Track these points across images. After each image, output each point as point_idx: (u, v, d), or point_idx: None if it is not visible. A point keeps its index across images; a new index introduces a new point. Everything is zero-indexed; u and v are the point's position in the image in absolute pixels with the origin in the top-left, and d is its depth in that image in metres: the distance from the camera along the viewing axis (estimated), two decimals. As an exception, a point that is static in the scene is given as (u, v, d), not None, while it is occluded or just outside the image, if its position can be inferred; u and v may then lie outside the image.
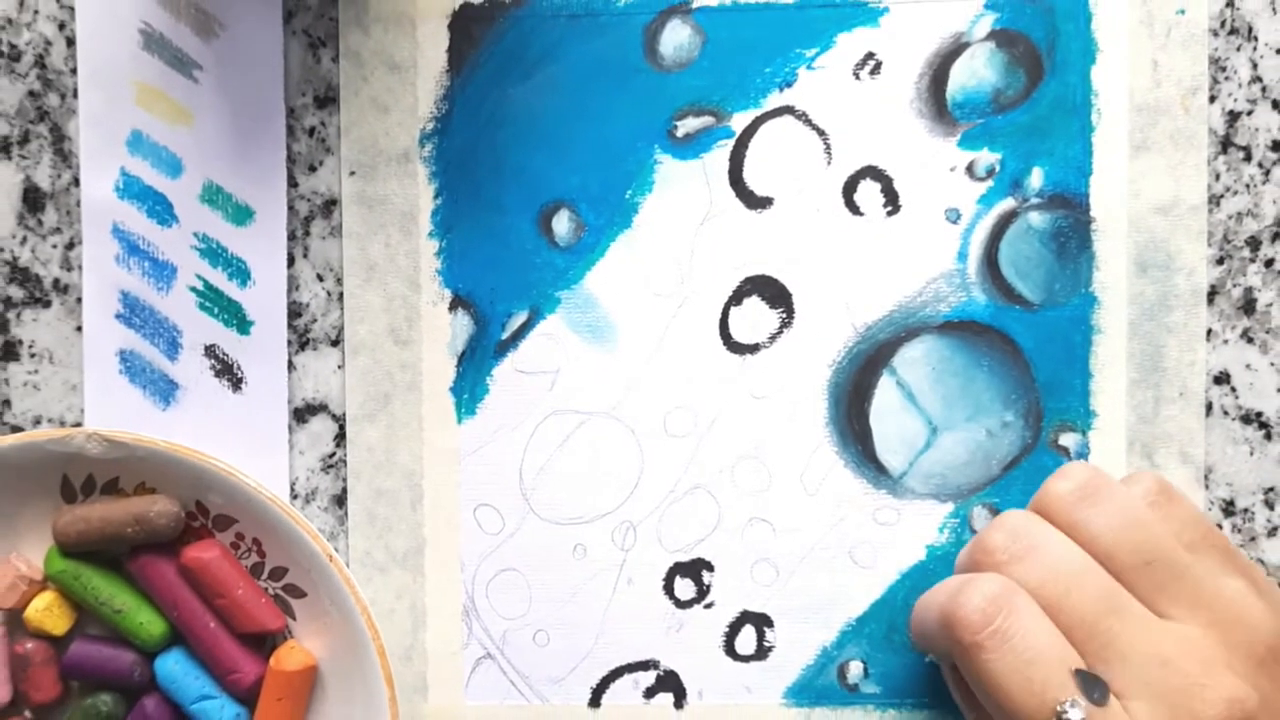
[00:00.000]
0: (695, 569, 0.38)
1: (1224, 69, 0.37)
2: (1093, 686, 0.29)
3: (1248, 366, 0.37)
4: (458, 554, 0.38)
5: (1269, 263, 0.37)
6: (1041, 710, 0.29)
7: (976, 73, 0.37)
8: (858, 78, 0.37)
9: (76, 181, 0.38)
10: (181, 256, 0.38)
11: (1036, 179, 0.37)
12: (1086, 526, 0.32)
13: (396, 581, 0.38)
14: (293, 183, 0.38)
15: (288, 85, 0.38)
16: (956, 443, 0.38)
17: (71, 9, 0.38)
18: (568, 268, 0.38)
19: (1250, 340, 0.37)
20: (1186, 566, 0.31)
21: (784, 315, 0.38)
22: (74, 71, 0.38)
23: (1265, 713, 0.30)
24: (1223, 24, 0.37)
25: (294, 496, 0.39)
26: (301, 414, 0.39)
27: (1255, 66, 0.37)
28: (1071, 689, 0.29)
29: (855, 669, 0.38)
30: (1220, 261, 0.37)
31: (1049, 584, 0.31)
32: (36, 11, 0.38)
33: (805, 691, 0.38)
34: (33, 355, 0.39)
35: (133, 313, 0.38)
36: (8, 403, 0.39)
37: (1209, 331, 0.37)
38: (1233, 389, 0.38)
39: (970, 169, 0.37)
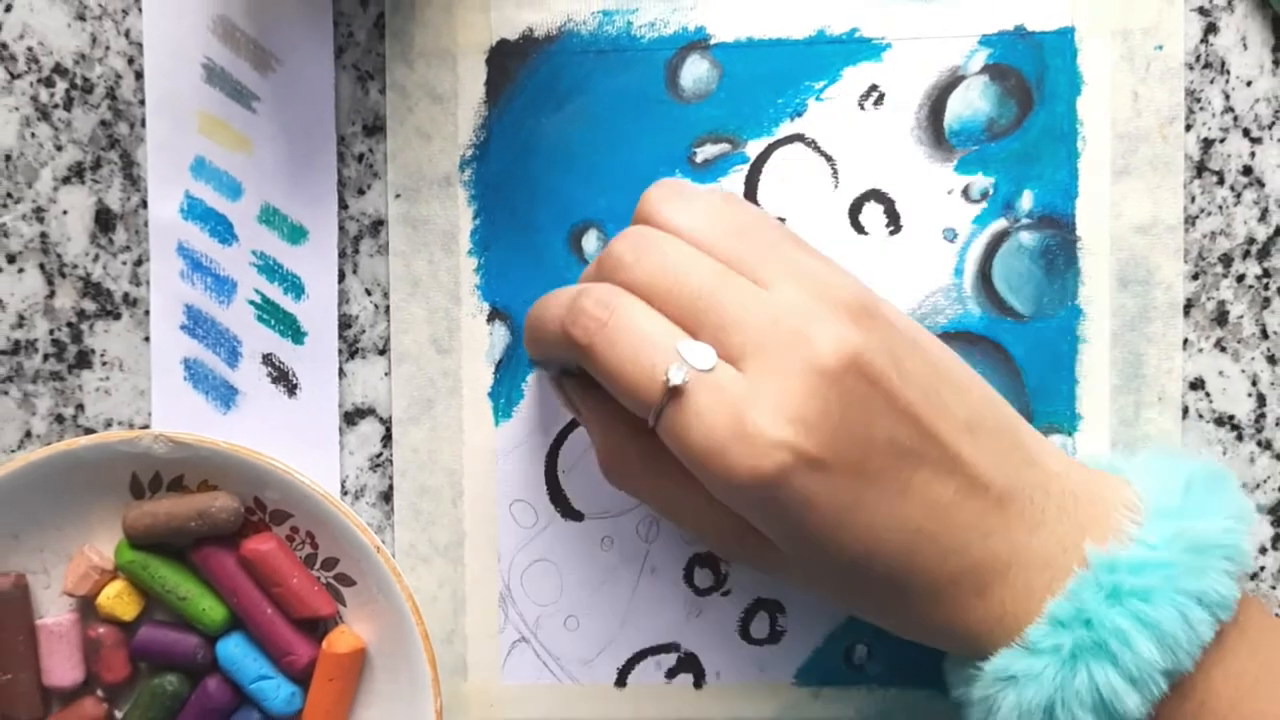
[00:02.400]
0: (713, 560, 0.38)
1: (1199, 100, 0.37)
2: (698, 355, 0.29)
3: (1221, 373, 0.38)
4: (495, 546, 0.38)
5: (1240, 278, 0.37)
6: (654, 385, 0.29)
7: (972, 103, 0.37)
8: (862, 108, 0.37)
9: (144, 204, 0.38)
10: (241, 272, 0.38)
11: (1027, 201, 0.37)
12: (686, 215, 0.31)
13: (439, 571, 0.38)
14: (343, 205, 0.38)
15: (338, 115, 0.38)
16: (953, 443, 0.38)
17: (140, 45, 0.38)
18: (596, 283, 0.38)
19: (1223, 349, 0.37)
20: (775, 242, 0.31)
21: (795, 326, 0.38)
22: (142, 102, 0.38)
23: (871, 355, 0.29)
24: (1198, 59, 0.37)
25: (344, 493, 0.39)
26: (351, 417, 0.39)
27: (1228, 98, 0.37)
28: (677, 359, 0.29)
29: (860, 651, 0.38)
30: (1195, 277, 0.37)
31: (662, 275, 0.30)
32: (108, 47, 0.38)
33: (814, 672, 0.38)
34: (104, 363, 0.39)
35: (196, 324, 0.38)
36: (81, 407, 0.39)
37: (1185, 341, 0.37)
38: (1207, 394, 0.38)
39: (966, 192, 0.37)
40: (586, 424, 0.35)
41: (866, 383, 0.29)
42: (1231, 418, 0.38)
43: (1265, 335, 0.37)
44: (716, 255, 0.31)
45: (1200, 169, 0.37)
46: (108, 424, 0.39)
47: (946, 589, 0.30)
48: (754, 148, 0.37)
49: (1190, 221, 0.37)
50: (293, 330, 0.38)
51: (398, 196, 0.38)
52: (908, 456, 0.30)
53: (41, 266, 0.38)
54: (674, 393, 0.29)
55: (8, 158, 0.38)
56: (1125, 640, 0.29)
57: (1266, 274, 0.37)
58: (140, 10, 0.38)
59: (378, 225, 0.38)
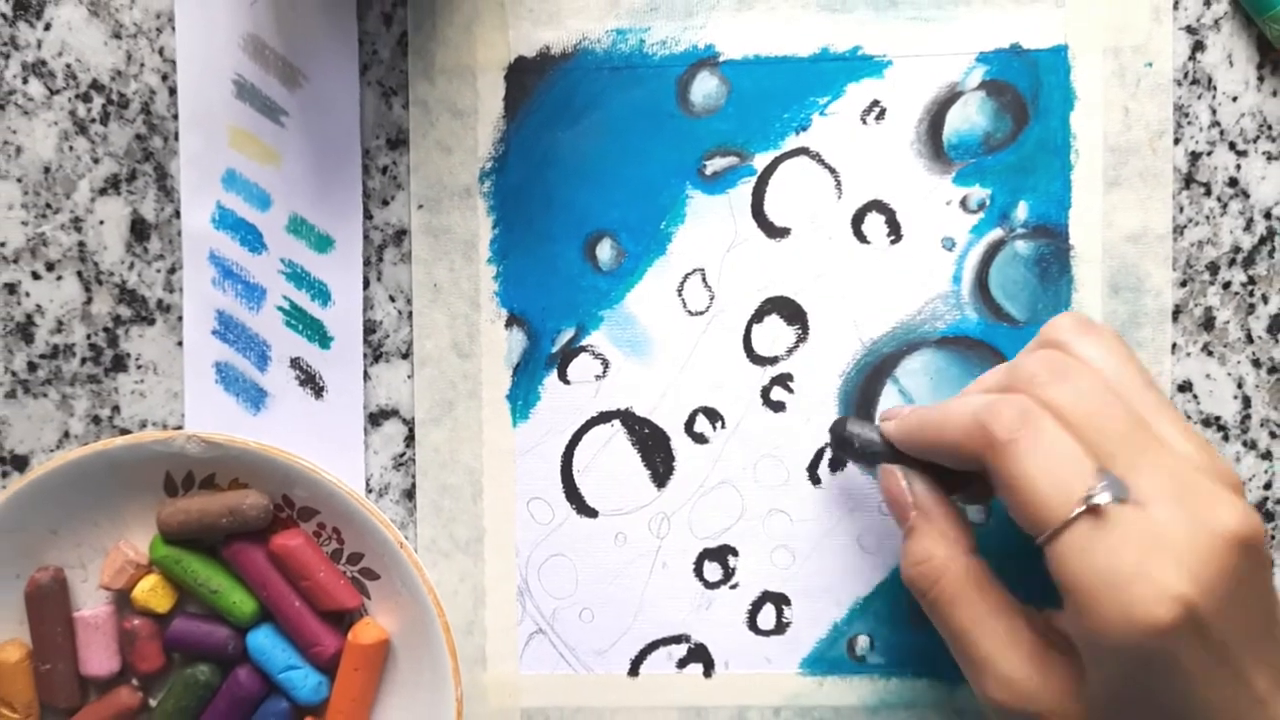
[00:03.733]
0: (722, 554, 0.38)
1: (1187, 115, 0.37)
2: (1115, 484, 0.28)
3: (1208, 376, 0.38)
4: (513, 541, 0.38)
5: (1226, 285, 0.37)
6: (1067, 501, 0.28)
7: (969, 118, 0.37)
8: (865, 122, 0.37)
9: (178, 214, 0.38)
10: (270, 280, 0.38)
11: (1022, 211, 0.37)
12: (1099, 352, 0.30)
13: (459, 565, 0.38)
14: (368, 215, 0.38)
15: (363, 129, 0.38)
16: (952, 443, 0.38)
17: (173, 62, 0.38)
18: (610, 290, 0.38)
19: (1210, 353, 0.38)
20: (1167, 404, 0.30)
21: (800, 331, 0.38)
22: (175, 117, 0.38)
23: (1261, 534, 0.28)
24: (1186, 75, 0.37)
25: (369, 491, 0.39)
26: (376, 418, 0.39)
27: (1214, 113, 0.37)
28: (1095, 481, 0.28)
29: (863, 642, 0.38)
30: (1184, 284, 0.37)
31: (1081, 402, 0.29)
32: (143, 64, 0.38)
33: (818, 662, 0.38)
34: (139, 367, 0.39)
35: (227, 329, 0.38)
36: (117, 408, 0.39)
37: (1174, 346, 0.37)
38: (1194, 396, 0.38)
39: (964, 203, 0.37)
40: (912, 521, 0.33)
41: (1255, 563, 0.28)
42: (1218, 419, 0.38)
43: (1250, 340, 0.37)
44: (1124, 398, 0.30)
45: (1188, 181, 0.37)
46: (142, 425, 0.39)
47: None
48: (761, 160, 0.37)
49: (1179, 231, 0.37)
50: (320, 335, 0.38)
51: (420, 207, 0.38)
52: (1255, 640, 0.28)
53: (79, 274, 0.38)
54: (1091, 512, 0.27)
55: (47, 170, 0.38)
56: None
57: (1251, 281, 0.37)
58: (174, 29, 0.38)
59: (401, 235, 0.38)
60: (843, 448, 0.36)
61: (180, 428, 0.39)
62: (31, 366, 0.39)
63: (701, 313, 0.38)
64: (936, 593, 0.32)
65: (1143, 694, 0.28)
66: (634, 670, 0.38)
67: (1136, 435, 0.29)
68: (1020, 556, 0.37)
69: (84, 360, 0.39)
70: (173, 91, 0.38)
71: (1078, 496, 0.28)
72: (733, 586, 0.38)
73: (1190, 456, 0.29)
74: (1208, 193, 0.37)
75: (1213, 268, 0.37)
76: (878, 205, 0.37)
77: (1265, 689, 0.28)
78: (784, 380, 0.38)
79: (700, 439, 0.38)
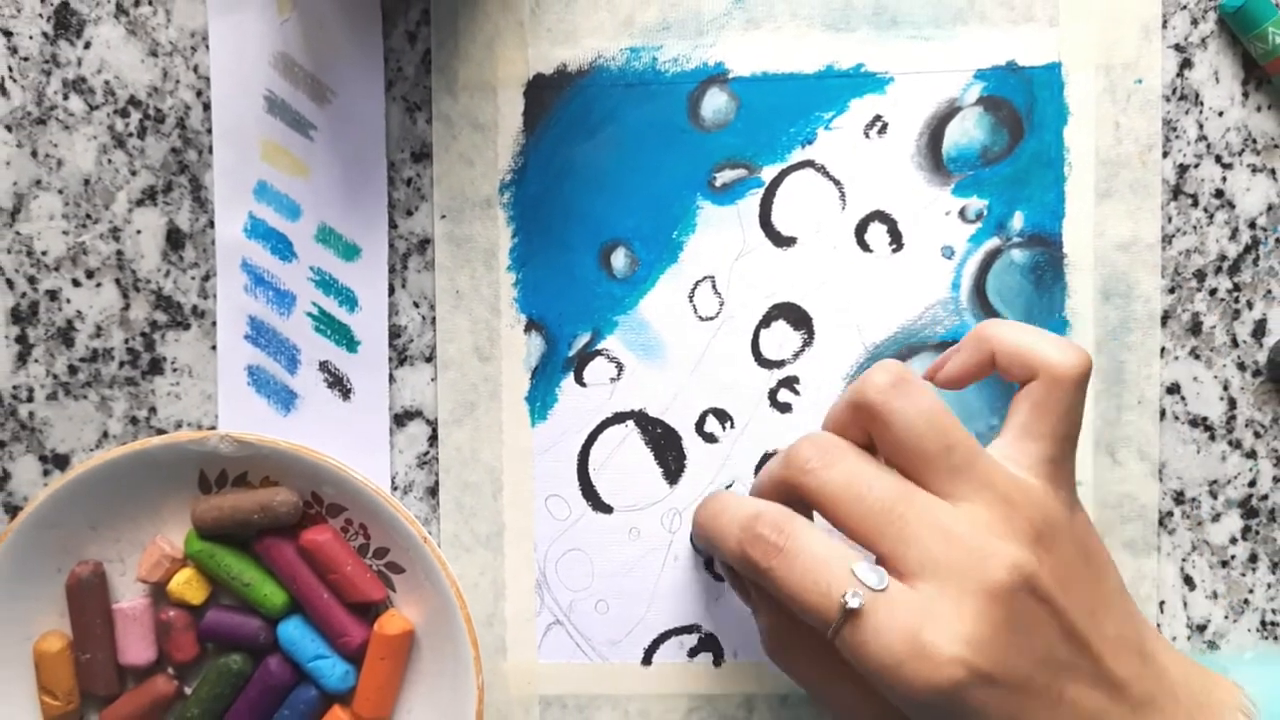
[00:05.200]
0: (731, 549, 0.38)
1: (1175, 129, 0.37)
2: (871, 576, 0.28)
3: (1195, 379, 0.38)
4: (532, 536, 0.38)
5: (1213, 292, 0.37)
6: (831, 606, 0.28)
7: (967, 132, 0.37)
8: (868, 136, 0.37)
9: (211, 224, 0.38)
10: (300, 287, 0.38)
11: (1018, 221, 0.37)
12: (903, 412, 0.30)
13: (480, 559, 0.38)
14: (393, 225, 0.38)
15: (389, 143, 0.38)
16: (950, 443, 0.38)
17: (207, 79, 0.38)
18: (624, 296, 0.38)
19: (1197, 357, 0.38)
20: (979, 451, 0.30)
21: (806, 336, 0.38)
22: (209, 131, 0.38)
23: (1043, 578, 0.28)
24: (1174, 91, 0.37)
25: (394, 488, 0.39)
26: (400, 419, 0.39)
27: (1201, 127, 0.37)
28: (853, 582, 0.28)
29: (865, 633, 0.38)
30: (1172, 291, 0.37)
31: (848, 485, 0.29)
32: (178, 81, 0.38)
33: (823, 652, 0.38)
34: (175, 370, 0.39)
35: (259, 334, 0.38)
36: (154, 410, 0.39)
37: (1162, 349, 0.37)
38: (1182, 398, 0.38)
39: (962, 213, 0.37)
40: (754, 608, 0.34)
41: (1035, 602, 0.28)
42: (1205, 419, 0.38)
43: (1235, 344, 0.37)
44: (919, 449, 0.29)
45: (1176, 192, 0.37)
46: (178, 425, 0.39)
47: None
48: (769, 173, 0.37)
49: (1167, 240, 0.37)
50: (347, 340, 0.38)
51: (443, 217, 0.38)
52: (1065, 670, 0.29)
53: (117, 281, 0.39)
54: (850, 614, 0.28)
55: (87, 182, 0.38)
56: None
57: (1237, 288, 0.37)
58: (208, 47, 0.38)
59: (425, 243, 0.38)
60: (695, 546, 0.37)
61: (214, 428, 0.39)
62: (72, 370, 0.39)
63: (712, 318, 0.38)
64: (788, 665, 0.33)
65: None
66: (647, 659, 0.38)
67: (897, 510, 0.29)
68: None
69: (122, 364, 0.39)
70: (207, 107, 0.38)
71: (836, 603, 0.28)
72: (741, 579, 0.38)
73: (967, 515, 0.29)
74: (1195, 204, 0.37)
75: (1200, 275, 0.37)
76: (880, 215, 0.37)
77: (1099, 705, 0.29)
78: (790, 383, 0.38)
79: (710, 439, 0.38)
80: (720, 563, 0.36)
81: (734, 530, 0.31)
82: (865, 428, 0.31)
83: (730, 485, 0.38)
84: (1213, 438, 0.38)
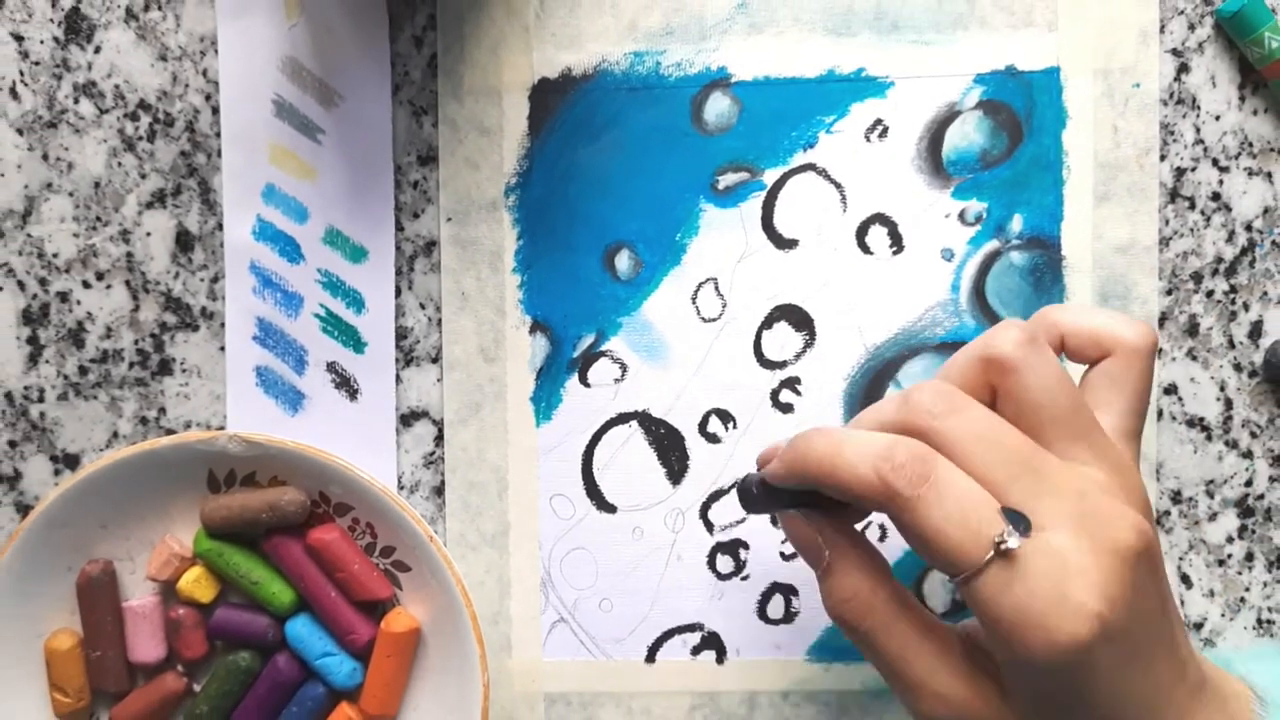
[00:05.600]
0: (733, 548, 0.38)
1: (1172, 133, 0.37)
2: (1018, 521, 0.27)
3: (1192, 380, 0.38)
4: (536, 535, 0.38)
5: (1209, 294, 0.37)
6: (979, 546, 0.27)
7: (967, 136, 0.37)
8: (868, 140, 0.37)
9: (220, 226, 0.38)
10: (307, 289, 0.38)
11: (1017, 224, 0.37)
12: (1039, 369, 0.29)
13: (486, 558, 0.38)
14: (400, 227, 0.38)
15: (396, 146, 0.38)
16: (950, 443, 0.38)
17: (216, 83, 0.38)
18: (628, 298, 0.38)
19: (1194, 358, 0.38)
20: (1095, 420, 0.30)
21: (807, 337, 0.38)
22: (218, 135, 0.38)
23: (1156, 543, 0.28)
24: (1171, 95, 0.37)
25: (401, 487, 0.39)
26: (407, 419, 0.39)
27: (1198, 131, 0.37)
28: (1001, 524, 0.27)
29: (866, 631, 0.38)
30: (1169, 293, 0.37)
31: (984, 433, 0.28)
32: (187, 85, 0.38)
33: (825, 649, 0.38)
34: (184, 371, 0.39)
35: (267, 335, 0.38)
36: (163, 410, 0.39)
37: (1160, 351, 0.38)
38: (1179, 398, 0.38)
39: (962, 216, 0.37)
40: (828, 561, 0.31)
41: (1150, 569, 0.28)
42: (1202, 419, 0.38)
43: (1232, 345, 0.37)
44: (1050, 419, 0.29)
45: (1174, 195, 0.37)
46: (187, 425, 0.39)
47: None
48: (771, 176, 0.38)
49: (1164, 242, 0.37)
50: (354, 341, 0.38)
51: (449, 220, 0.38)
52: (1159, 637, 0.29)
53: (127, 283, 0.39)
54: (1003, 555, 0.27)
55: (97, 185, 0.38)
56: None
57: (1233, 290, 0.37)
58: (216, 52, 0.38)
59: (431, 246, 0.38)
60: (746, 502, 0.33)
61: (223, 428, 0.39)
62: (83, 370, 0.39)
63: (714, 320, 0.38)
64: (869, 625, 0.31)
65: (1066, 699, 0.28)
66: (650, 657, 0.38)
67: (1032, 463, 0.28)
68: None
69: (132, 364, 0.39)
70: (215, 111, 0.38)
71: (987, 541, 0.27)
72: (743, 578, 0.38)
73: (1091, 477, 0.29)
74: (1192, 206, 0.37)
75: (1196, 277, 0.37)
76: (881, 218, 0.37)
77: (1172, 678, 0.29)
78: (792, 383, 0.38)
79: (713, 439, 0.38)
80: (786, 516, 0.32)
81: (868, 458, 0.28)
82: (993, 382, 0.30)
83: (733, 486, 0.38)
84: (1209, 438, 0.38)
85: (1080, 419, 0.29)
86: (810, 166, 0.37)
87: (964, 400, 0.29)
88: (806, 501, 0.31)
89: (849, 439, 0.29)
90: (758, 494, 0.32)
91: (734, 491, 0.38)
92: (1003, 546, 0.27)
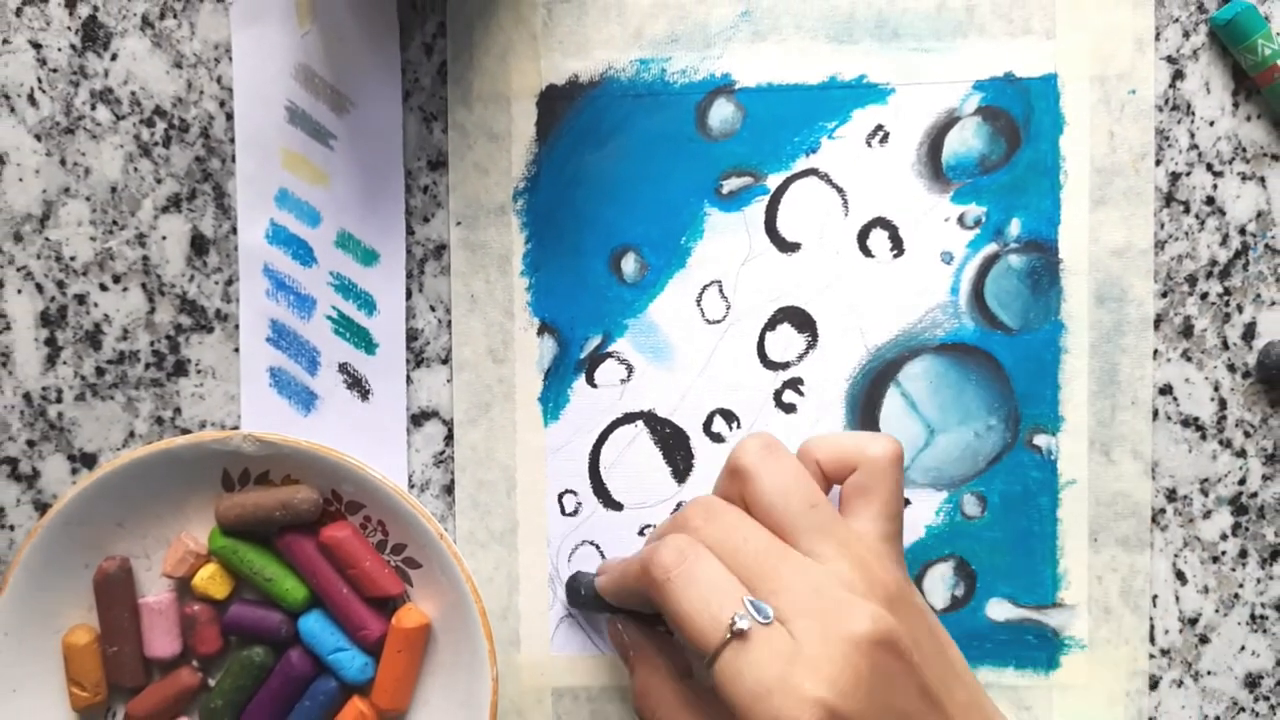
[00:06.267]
0: (737, 545, 0.38)
1: (1167, 138, 0.37)
2: (760, 609, 0.29)
3: (1186, 380, 0.38)
4: (544, 532, 0.38)
5: (1204, 296, 0.38)
6: (718, 629, 0.29)
7: (966, 141, 0.37)
8: (870, 145, 0.38)
9: (234, 230, 0.39)
10: (320, 291, 0.38)
11: (1015, 228, 0.37)
12: (770, 473, 0.32)
13: (495, 555, 0.39)
14: (410, 231, 0.39)
15: (406, 152, 0.38)
16: (950, 442, 0.38)
17: (230, 90, 0.38)
18: (634, 300, 0.38)
19: (1189, 359, 0.38)
20: (838, 516, 0.32)
21: (810, 339, 0.38)
22: (232, 141, 0.38)
23: (901, 636, 0.29)
24: (1167, 101, 0.37)
25: (411, 486, 0.39)
26: (418, 419, 0.39)
27: (1193, 136, 0.37)
28: (743, 609, 0.29)
29: (867, 626, 0.38)
30: (1164, 295, 0.38)
31: (728, 538, 0.31)
32: (202, 92, 0.38)
33: (826, 644, 0.38)
34: (199, 371, 0.39)
35: (280, 337, 0.39)
36: (179, 410, 0.39)
37: (1155, 352, 0.38)
38: (1174, 398, 0.38)
39: (961, 219, 0.37)
40: (631, 661, 0.36)
41: (894, 658, 0.29)
42: (1196, 419, 0.38)
43: (1226, 346, 0.38)
44: (787, 507, 0.31)
45: (1169, 199, 0.37)
46: (202, 425, 0.39)
47: None
48: (774, 180, 0.38)
49: (1160, 246, 0.37)
50: (365, 342, 0.38)
51: (458, 224, 0.38)
52: None
53: (143, 286, 0.39)
54: (737, 635, 0.29)
55: (114, 190, 0.39)
56: None
57: (1227, 292, 0.37)
58: (230, 59, 0.38)
59: (441, 249, 0.38)
60: (573, 600, 0.37)
61: (237, 428, 0.39)
62: (100, 371, 0.39)
63: (718, 321, 0.38)
64: (657, 718, 0.34)
65: None
66: (656, 652, 0.38)
67: (771, 561, 0.30)
68: (1013, 553, 0.38)
69: (148, 365, 0.39)
70: (230, 117, 0.38)
71: (724, 624, 0.29)
72: (747, 574, 0.38)
73: (833, 572, 0.30)
74: (1186, 210, 0.37)
75: (1191, 280, 0.37)
76: (881, 222, 0.38)
77: None
78: (795, 384, 0.38)
79: (717, 438, 0.38)
80: (608, 621, 0.37)
81: (640, 556, 0.32)
82: (740, 492, 0.33)
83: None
84: (1204, 437, 0.38)
85: (818, 516, 0.31)
86: (813, 171, 0.38)
87: (721, 508, 0.32)
88: (623, 610, 0.36)
89: (627, 555, 0.35)
90: (584, 596, 0.37)
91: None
92: (736, 627, 0.29)
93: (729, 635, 0.29)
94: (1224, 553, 0.38)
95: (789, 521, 0.31)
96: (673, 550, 0.31)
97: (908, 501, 0.38)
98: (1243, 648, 0.38)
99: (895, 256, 0.38)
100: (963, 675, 0.32)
